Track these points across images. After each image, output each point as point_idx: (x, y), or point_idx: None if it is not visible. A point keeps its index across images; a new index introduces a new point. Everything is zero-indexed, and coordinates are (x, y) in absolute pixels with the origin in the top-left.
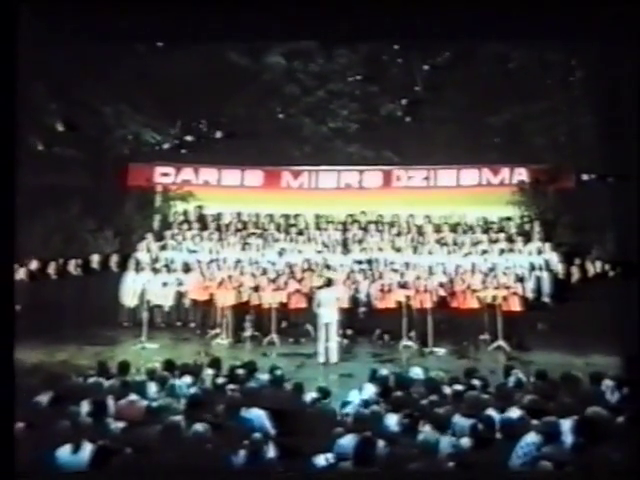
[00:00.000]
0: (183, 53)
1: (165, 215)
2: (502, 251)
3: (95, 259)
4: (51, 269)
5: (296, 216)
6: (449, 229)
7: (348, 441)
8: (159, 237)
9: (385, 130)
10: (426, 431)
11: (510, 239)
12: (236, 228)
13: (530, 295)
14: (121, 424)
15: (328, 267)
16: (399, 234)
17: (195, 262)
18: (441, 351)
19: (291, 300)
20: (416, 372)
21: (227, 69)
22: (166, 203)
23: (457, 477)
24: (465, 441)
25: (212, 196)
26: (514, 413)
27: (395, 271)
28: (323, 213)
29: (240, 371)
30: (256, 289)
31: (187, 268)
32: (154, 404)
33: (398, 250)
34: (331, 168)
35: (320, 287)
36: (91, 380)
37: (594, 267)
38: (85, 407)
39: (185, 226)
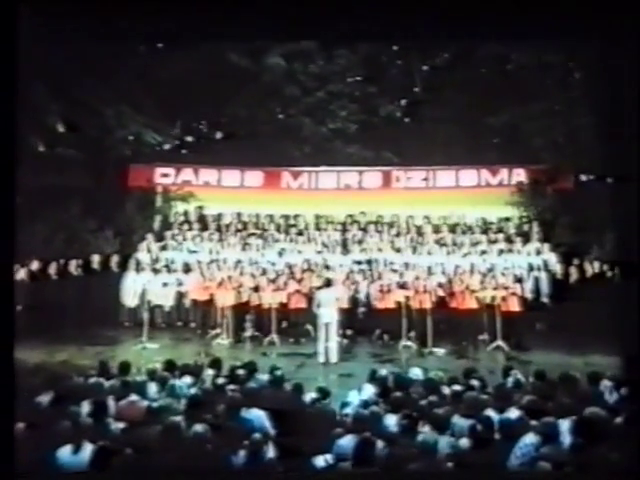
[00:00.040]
0: (183, 54)
1: (165, 215)
2: (501, 251)
3: (96, 259)
4: (52, 269)
5: (296, 216)
6: (448, 229)
7: (347, 441)
8: (159, 237)
9: (384, 131)
10: (425, 431)
11: (509, 239)
12: (236, 228)
13: (529, 295)
14: (121, 424)
15: (327, 267)
16: (398, 234)
17: (195, 262)
18: (440, 351)
19: (291, 300)
20: (415, 372)
21: (227, 70)
22: (166, 204)
23: (456, 477)
24: (464, 441)
25: (212, 196)
26: (513, 413)
27: (394, 271)
28: (323, 213)
29: (240, 371)
30: (256, 289)
31: (187, 268)
32: (154, 404)
33: (397, 250)
34: (331, 169)
35: (320, 287)
36: (92, 380)
37: (592, 267)
38: (86, 407)
39: (185, 226)
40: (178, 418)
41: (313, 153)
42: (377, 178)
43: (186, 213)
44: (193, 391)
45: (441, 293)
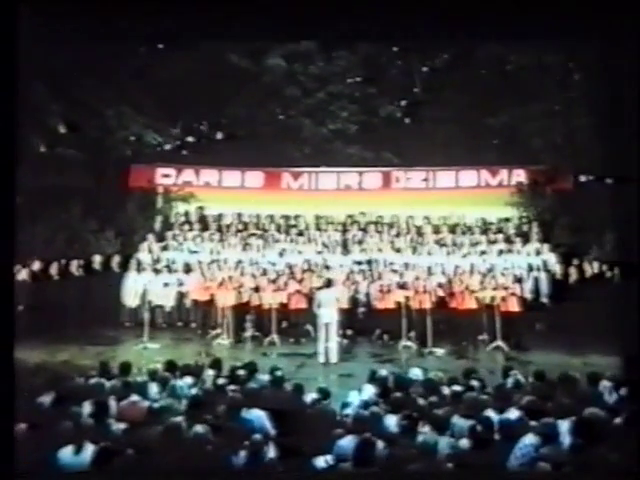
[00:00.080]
0: (184, 55)
1: (166, 216)
2: (501, 252)
3: (97, 260)
4: (53, 270)
5: (296, 217)
6: (448, 230)
7: (348, 442)
8: (160, 238)
9: (384, 131)
10: (425, 432)
11: (508, 240)
12: (237, 229)
13: (528, 295)
14: (123, 425)
15: (328, 268)
16: (398, 235)
17: (196, 263)
18: (440, 351)
19: (291, 300)
20: (415, 373)
21: (228, 71)
22: (167, 204)
23: (456, 478)
24: (464, 442)
25: (213, 197)
26: (512, 414)
27: (394, 272)
28: (323, 214)
29: (241, 372)
30: (256, 289)
31: (188, 268)
32: (155, 405)
33: (397, 251)
34: (331, 169)
35: (320, 288)
36: (93, 381)
37: (592, 268)
38: (87, 408)
39: (186, 227)
40: (179, 418)
41: (313, 154)
42: (377, 179)
43: (187, 213)
44: (194, 391)
45: (441, 293)
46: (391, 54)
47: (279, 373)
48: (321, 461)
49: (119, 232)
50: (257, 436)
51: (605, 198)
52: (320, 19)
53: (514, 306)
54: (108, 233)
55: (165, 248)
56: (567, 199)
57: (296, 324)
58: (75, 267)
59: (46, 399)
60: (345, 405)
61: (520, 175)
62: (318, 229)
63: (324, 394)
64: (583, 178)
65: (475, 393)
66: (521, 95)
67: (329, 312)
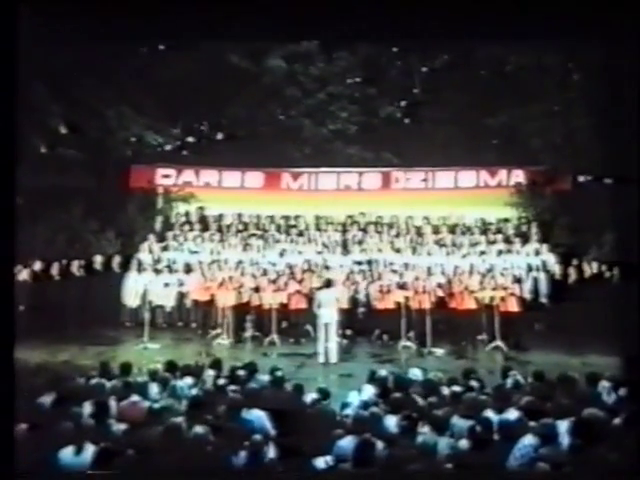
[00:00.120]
0: (184, 56)
1: (167, 216)
2: (500, 252)
3: (98, 260)
4: (54, 270)
5: (296, 217)
6: (447, 230)
7: (347, 442)
8: (161, 238)
9: (384, 132)
10: (425, 432)
11: (508, 240)
12: (237, 229)
13: (527, 296)
14: (123, 425)
15: (327, 268)
16: (398, 235)
17: (196, 263)
18: (439, 351)
19: (291, 301)
20: (415, 373)
21: (228, 71)
22: (168, 204)
23: (456, 478)
24: (463, 442)
25: (213, 197)
26: (512, 414)
27: (394, 272)
28: (323, 214)
29: (241, 372)
30: (257, 290)
31: (188, 269)
32: (156, 405)
33: (397, 251)
34: (331, 170)
35: (320, 288)
36: (93, 381)
37: (591, 268)
38: (87, 408)
39: (186, 227)
40: (179, 419)
41: (313, 154)
42: (377, 179)
43: (187, 214)
44: (194, 392)
45: (440, 293)
46: (391, 55)
47: (279, 373)
48: (321, 462)
49: (120, 232)
50: (257, 436)
51: (604, 198)
52: (320, 20)
53: (513, 306)
54: (109, 233)
55: (165, 248)
56: (566, 199)
57: (296, 324)
58: (76, 267)
59: (47, 399)
60: (345, 405)
61: (519, 175)
62: (318, 229)
63: (324, 394)
64: (582, 178)
65: (474, 393)
66: (520, 95)
67: (329, 312)
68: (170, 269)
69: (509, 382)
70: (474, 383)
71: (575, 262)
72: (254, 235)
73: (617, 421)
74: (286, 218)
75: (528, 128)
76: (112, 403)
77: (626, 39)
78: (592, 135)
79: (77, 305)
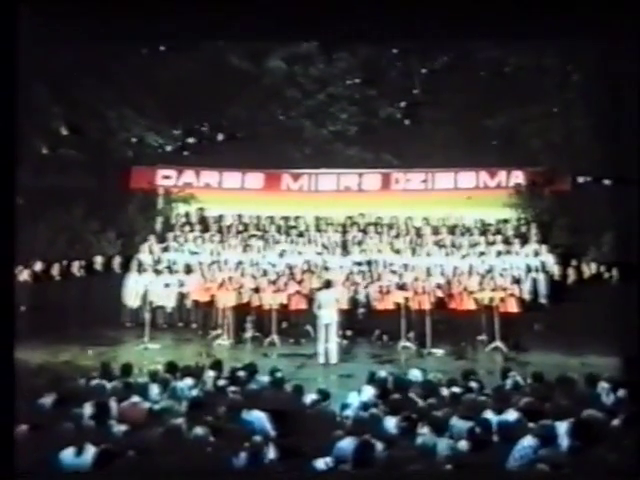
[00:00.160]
0: (185, 57)
1: (167, 217)
2: (499, 253)
3: (98, 260)
4: (55, 270)
5: (296, 218)
6: (447, 231)
7: (347, 444)
8: (161, 239)
9: (384, 133)
10: (424, 433)
11: (507, 241)
12: (237, 230)
13: (527, 296)
14: (123, 427)
15: (327, 269)
16: (398, 236)
17: (197, 263)
18: (439, 352)
19: (291, 301)
20: (414, 374)
21: (229, 73)
22: (168, 205)
23: (455, 479)
24: (463, 443)
25: (213, 198)
26: (511, 415)
27: (394, 273)
28: (323, 215)
29: (241, 373)
30: (257, 290)
31: (189, 269)
32: (156, 406)
33: (397, 252)
34: (331, 171)
35: (320, 289)
36: (94, 382)
37: (590, 269)
38: (88, 409)
39: (187, 228)
40: (179, 420)
41: (313, 155)
42: (376, 180)
43: (187, 215)
44: (194, 393)
45: (440, 294)
46: (391, 56)
47: (279, 374)
48: (321, 463)
49: (120, 233)
50: (257, 437)
51: (603, 199)
52: (320, 21)
53: (513, 307)
54: (109, 234)
55: (166, 249)
56: (565, 200)
57: (296, 325)
58: (76, 268)
59: (47, 400)
60: (345, 406)
61: (518, 176)
62: (318, 230)
63: (324, 395)
64: (581, 179)
65: (474, 395)
66: (520, 97)
67: (329, 313)
68: (170, 270)
69: (508, 383)
70: (473, 384)
71: (574, 263)
72: (254, 236)
73: (616, 422)
74: (286, 219)
75: (527, 129)
76: (113, 404)
77: (625, 40)
78: (591, 136)
79: (78, 305)
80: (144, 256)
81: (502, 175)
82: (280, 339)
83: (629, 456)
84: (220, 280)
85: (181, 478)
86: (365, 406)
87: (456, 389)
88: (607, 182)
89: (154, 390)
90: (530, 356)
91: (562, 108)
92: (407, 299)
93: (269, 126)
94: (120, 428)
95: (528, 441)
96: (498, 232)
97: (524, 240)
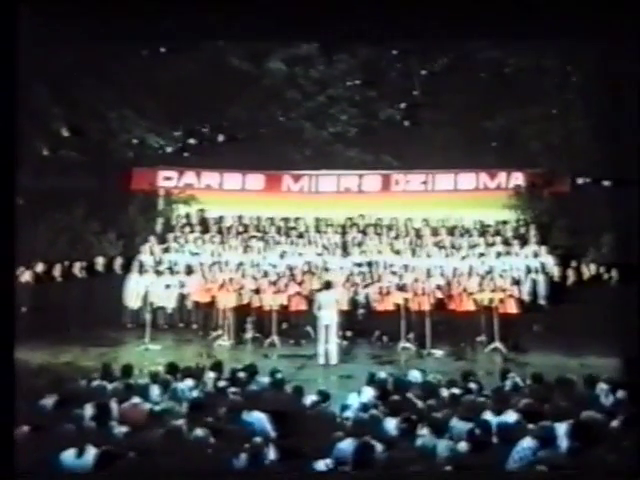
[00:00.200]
0: (185, 58)
1: (168, 218)
2: (499, 254)
3: (99, 261)
4: (56, 271)
5: (296, 219)
6: (447, 232)
7: (347, 445)
8: (162, 240)
9: (384, 134)
10: (424, 435)
11: (506, 242)
12: (237, 231)
13: (526, 297)
14: (124, 428)
15: (327, 270)
16: (397, 237)
17: (197, 264)
18: (439, 353)
19: (291, 302)
20: (414, 375)
21: (229, 74)
22: (169, 206)
23: None
24: (462, 445)
25: (214, 199)
26: (510, 417)
27: (394, 274)
28: (323, 216)
29: (241, 374)
30: (257, 291)
31: (189, 270)
32: (157, 408)
33: (397, 253)
34: (331, 172)
35: (320, 290)
36: (95, 383)
37: (589, 270)
38: (89, 410)
39: (187, 229)
40: (180, 421)
41: (314, 156)
42: (376, 181)
43: (188, 216)
44: (195, 394)
45: (439, 295)
46: (391, 57)
47: (279, 375)
48: (321, 465)
49: (121, 234)
50: (257, 438)
51: (602, 200)
52: (320, 22)
53: (512, 308)
54: (110, 235)
55: (167, 250)
56: (565, 202)
57: (296, 326)
58: (78, 269)
59: (48, 401)
60: (345, 407)
61: (518, 178)
62: (318, 231)
63: (324, 396)
64: (580, 181)
65: (473, 396)
66: (519, 98)
67: (329, 314)
68: (171, 271)
69: (508, 384)
70: (473, 385)
71: (573, 264)
72: (254, 237)
73: (615, 423)
74: (286, 220)
75: (527, 131)
76: (113, 405)
77: (625, 40)
78: (591, 137)
79: (79, 306)
80: (145, 257)
81: (502, 176)
82: (280, 340)
83: (628, 457)
84: (221, 281)
85: (182, 479)
86: (365, 407)
87: (456, 390)
88: (606, 183)
89: (155, 391)
90: (529, 357)
91: (562, 109)
92: (407, 300)
93: (269, 127)
94: (121, 429)
95: (527, 442)
96: (498, 233)
97: (524, 241)
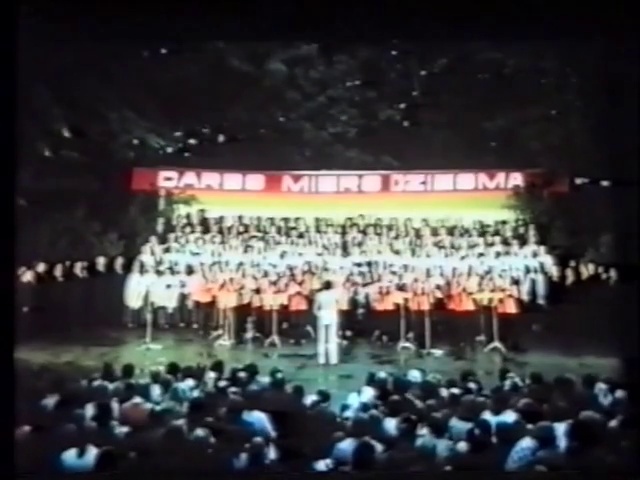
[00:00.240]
0: (186, 59)
1: (168, 218)
2: (498, 254)
3: (101, 261)
4: (58, 271)
5: (296, 219)
6: (446, 232)
7: (347, 445)
8: (163, 240)
9: (384, 135)
10: (424, 435)
11: (506, 242)
12: (238, 231)
13: (525, 297)
14: (125, 428)
15: (327, 270)
16: (397, 237)
17: (198, 264)
18: (438, 352)
19: (292, 302)
20: (414, 375)
21: (229, 75)
22: (169, 207)
23: None
24: (462, 445)
25: (214, 200)
26: (510, 417)
27: (393, 273)
28: (323, 216)
29: (241, 374)
30: (257, 291)
31: (190, 270)
32: (158, 408)
33: (396, 253)
34: (331, 172)
35: (320, 290)
36: (96, 383)
37: (588, 270)
38: (90, 410)
39: (188, 229)
40: (180, 421)
41: (313, 157)
42: (376, 182)
43: (189, 216)
44: (195, 394)
45: (439, 295)
46: (390, 58)
47: (279, 375)
48: (321, 465)
49: (122, 234)
50: (258, 438)
51: (601, 201)
52: (320, 23)
53: (511, 308)
54: (111, 235)
55: (167, 250)
56: (564, 202)
57: (296, 325)
58: (79, 269)
59: (50, 401)
60: (344, 407)
61: (517, 178)
62: (318, 231)
63: (324, 396)
64: (579, 181)
65: (473, 396)
66: (519, 98)
67: (329, 314)
68: (172, 271)
69: (507, 384)
70: (472, 385)
71: (572, 264)
72: (255, 237)
73: (614, 423)
74: (286, 220)
75: (526, 131)
76: (114, 405)
77: (625, 40)
78: (589, 138)
79: (80, 306)
80: (146, 257)
81: (501, 177)
82: (280, 340)
83: (627, 457)
84: (221, 281)
85: (182, 479)
86: (365, 407)
87: (455, 390)
88: (605, 184)
89: (156, 391)
90: (528, 356)
91: (561, 110)
92: (406, 300)
93: (269, 128)
94: (122, 429)
95: (527, 443)
96: (497, 233)
97: (523, 241)
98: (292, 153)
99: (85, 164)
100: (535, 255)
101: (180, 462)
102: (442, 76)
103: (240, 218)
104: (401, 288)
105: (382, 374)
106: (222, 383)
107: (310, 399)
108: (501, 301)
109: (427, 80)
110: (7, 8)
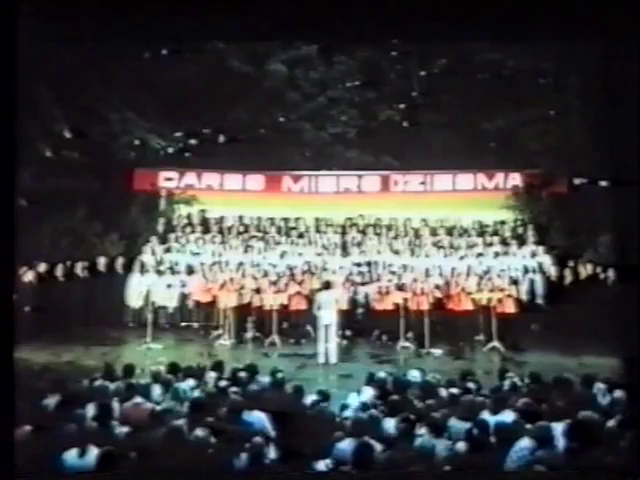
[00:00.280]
0: (186, 60)
1: (169, 218)
2: (497, 254)
3: (101, 262)
4: (59, 271)
5: (296, 219)
6: (445, 232)
7: (347, 445)
8: (163, 240)
9: (383, 135)
10: (423, 435)
11: (504, 242)
12: (238, 231)
13: (524, 297)
14: (126, 428)
15: (327, 269)
16: (396, 237)
17: (198, 264)
18: (438, 352)
19: (292, 302)
20: (413, 375)
21: (229, 76)
22: (170, 207)
23: None
24: (461, 445)
25: (215, 200)
26: (508, 417)
27: (393, 273)
28: (323, 216)
29: (242, 374)
30: (258, 291)
31: (190, 270)
32: (158, 407)
33: (396, 253)
34: (330, 173)
35: (319, 289)
36: (97, 383)
37: (586, 270)
38: (91, 410)
39: (188, 229)
40: (181, 421)
41: (313, 157)
42: (376, 182)
43: (189, 216)
44: (196, 394)
45: (438, 295)
46: (390, 59)
47: (279, 375)
48: (322, 465)
49: (123, 234)
50: (258, 438)
51: (599, 201)
52: (320, 24)
53: (510, 307)
54: (112, 235)
55: (168, 250)
56: (562, 202)
57: (296, 325)
58: (80, 269)
59: (50, 401)
60: (344, 407)
61: (516, 179)
62: (318, 231)
63: (324, 396)
64: (578, 181)
65: (472, 396)
66: (518, 99)
67: (329, 314)
68: (172, 270)
69: (506, 384)
70: (471, 385)
71: (571, 264)
72: (255, 237)
73: (612, 423)
74: (286, 220)
75: (525, 131)
76: (115, 405)
77: (625, 40)
78: (588, 138)
79: (81, 306)
80: (146, 257)
81: (500, 177)
82: (280, 339)
83: (626, 457)
84: (221, 281)
85: (182, 479)
86: (364, 407)
87: (454, 390)
88: (604, 184)
89: (156, 391)
90: (527, 356)
91: (560, 110)
92: (406, 300)
93: (270, 128)
94: (122, 429)
95: (525, 443)
96: (496, 233)
97: (521, 241)
98: (292, 153)
99: (86, 164)
100: (534, 255)
101: (180, 462)
102: (442, 76)
103: (240, 218)
104: (400, 288)
105: (381, 374)
106: (222, 383)
107: (310, 399)
108: (500, 301)
109: (427, 80)
110: (7, 8)
